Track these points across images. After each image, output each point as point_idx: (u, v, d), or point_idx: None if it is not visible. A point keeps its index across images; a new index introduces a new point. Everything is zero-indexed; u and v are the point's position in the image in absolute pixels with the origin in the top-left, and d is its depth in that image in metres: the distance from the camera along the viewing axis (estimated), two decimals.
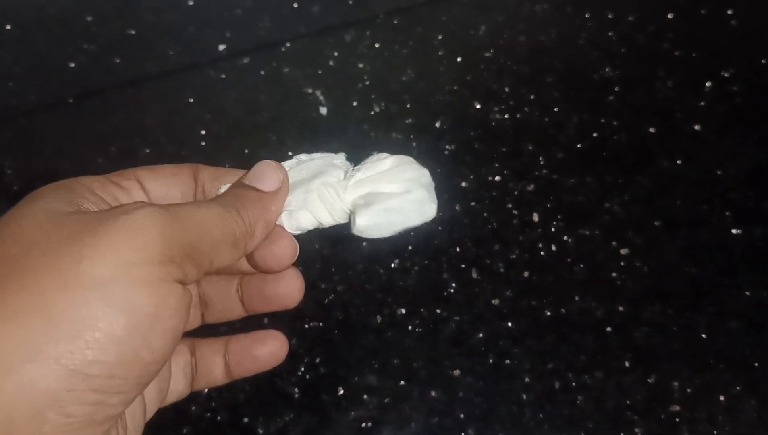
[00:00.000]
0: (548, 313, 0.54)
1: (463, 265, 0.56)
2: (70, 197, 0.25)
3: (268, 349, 0.31)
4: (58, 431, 0.21)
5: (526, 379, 0.52)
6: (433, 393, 0.52)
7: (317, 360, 0.53)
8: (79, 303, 0.21)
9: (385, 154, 0.31)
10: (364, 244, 0.57)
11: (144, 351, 0.22)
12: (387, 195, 0.30)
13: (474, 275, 0.56)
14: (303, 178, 0.30)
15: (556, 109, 0.63)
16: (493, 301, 0.55)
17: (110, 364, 0.21)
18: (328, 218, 0.30)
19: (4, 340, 0.20)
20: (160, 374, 0.28)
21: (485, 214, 0.58)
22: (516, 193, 0.59)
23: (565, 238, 0.57)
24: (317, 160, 0.31)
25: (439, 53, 0.67)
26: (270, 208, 0.28)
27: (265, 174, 0.28)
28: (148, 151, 0.63)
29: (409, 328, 0.54)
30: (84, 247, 0.22)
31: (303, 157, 0.31)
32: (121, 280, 0.21)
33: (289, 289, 0.31)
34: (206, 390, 0.52)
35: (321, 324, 0.54)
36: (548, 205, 0.59)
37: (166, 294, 0.22)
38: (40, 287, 0.21)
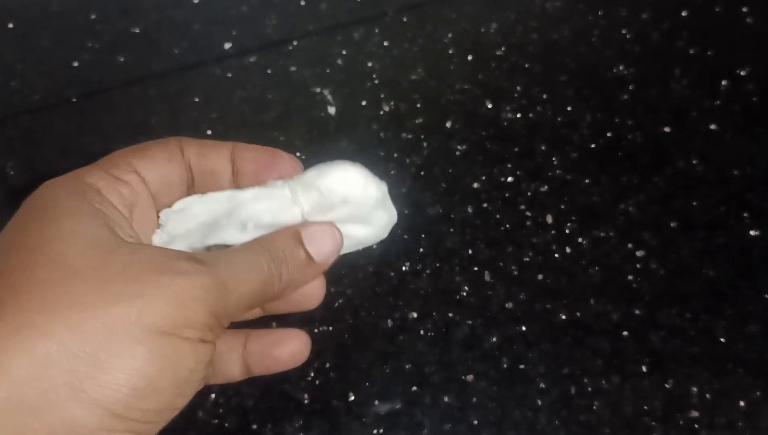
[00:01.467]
0: (563, 317, 0.53)
1: (475, 268, 0.55)
2: (91, 210, 0.25)
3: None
4: None
5: (541, 384, 0.51)
6: (445, 398, 0.51)
7: (327, 365, 0.52)
8: (128, 355, 0.22)
9: (318, 171, 0.30)
10: (374, 246, 0.56)
11: (179, 399, 0.24)
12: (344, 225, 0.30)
13: (487, 278, 0.55)
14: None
15: (569, 109, 0.62)
16: (506, 305, 0.54)
17: (149, 411, 0.23)
18: None
19: (52, 376, 0.21)
20: None
21: (498, 216, 0.57)
22: (529, 194, 0.58)
23: (579, 239, 0.56)
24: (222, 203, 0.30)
25: (450, 51, 0.66)
26: (310, 275, 0.29)
27: (324, 242, 0.29)
28: None
29: (421, 332, 0.53)
30: (138, 300, 0.23)
31: (194, 199, 0.30)
32: (168, 338, 0.23)
33: (297, 348, 0.32)
34: (213, 395, 0.51)
35: (330, 328, 0.53)
36: (562, 207, 0.57)
37: (204, 352, 0.24)
38: (89, 328, 0.22)
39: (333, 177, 0.29)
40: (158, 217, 0.30)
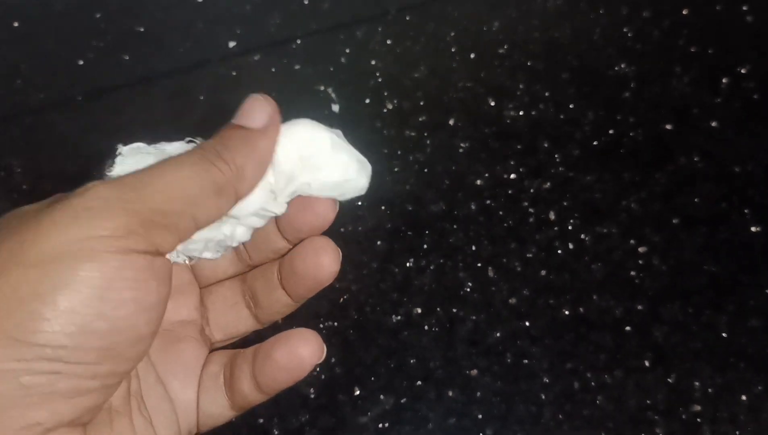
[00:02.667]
0: (566, 312, 0.53)
1: (479, 264, 0.55)
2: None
3: (290, 349, 0.27)
4: (17, 404, 0.21)
5: (545, 379, 0.51)
6: (450, 393, 0.51)
7: (333, 360, 0.52)
8: (19, 281, 0.21)
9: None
10: (379, 242, 0.57)
11: (97, 321, 0.22)
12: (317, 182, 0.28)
13: (490, 274, 0.55)
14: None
15: (571, 106, 0.62)
16: (510, 300, 0.54)
17: (56, 334, 0.21)
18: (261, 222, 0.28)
19: None
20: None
21: (501, 213, 0.58)
22: (532, 190, 0.58)
23: (582, 236, 0.56)
24: (172, 148, 0.28)
25: (452, 49, 0.66)
26: (259, 145, 0.26)
27: (252, 110, 0.27)
28: None
29: (426, 327, 0.53)
30: (27, 230, 0.22)
31: (141, 146, 0.28)
32: (64, 256, 0.21)
33: (320, 259, 0.27)
34: None
35: (336, 324, 0.53)
36: (565, 203, 0.58)
37: (119, 265, 0.22)
38: None
39: (283, 144, 0.28)
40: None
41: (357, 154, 0.29)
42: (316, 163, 0.28)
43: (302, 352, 0.27)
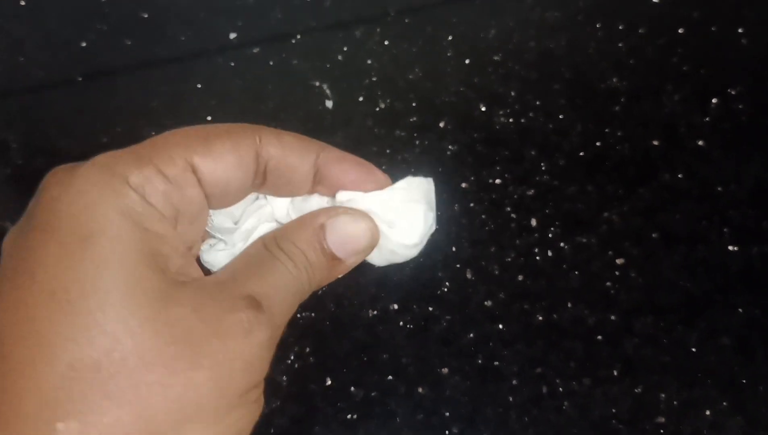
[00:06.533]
0: (540, 318, 0.54)
1: (458, 265, 0.56)
2: (138, 241, 0.21)
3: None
4: None
5: (514, 382, 0.52)
6: (420, 390, 0.52)
7: (307, 350, 0.53)
8: (182, 431, 0.20)
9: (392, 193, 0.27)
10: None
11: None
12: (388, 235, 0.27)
13: (468, 276, 0.56)
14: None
15: (561, 117, 0.63)
16: (485, 303, 0.55)
17: None
18: None
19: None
20: None
21: (483, 216, 0.58)
22: (516, 197, 0.59)
23: (561, 244, 0.57)
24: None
25: (448, 54, 0.67)
26: (338, 274, 0.26)
27: (350, 239, 0.25)
28: (153, 133, 0.63)
29: (401, 323, 0.54)
30: (205, 371, 0.20)
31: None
32: (239, 408, 0.21)
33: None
34: None
35: (313, 314, 0.54)
36: (547, 211, 0.59)
37: (258, 410, 0.23)
38: (159, 415, 0.19)
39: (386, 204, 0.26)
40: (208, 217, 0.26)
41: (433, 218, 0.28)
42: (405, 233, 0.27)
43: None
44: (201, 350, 0.20)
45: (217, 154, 0.24)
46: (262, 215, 0.27)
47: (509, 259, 0.56)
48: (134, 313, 0.19)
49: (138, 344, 0.19)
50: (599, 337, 0.53)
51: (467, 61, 0.66)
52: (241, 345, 0.21)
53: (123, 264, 0.20)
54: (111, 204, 0.21)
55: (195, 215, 0.24)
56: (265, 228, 0.27)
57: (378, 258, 0.28)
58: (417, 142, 0.62)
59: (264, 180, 0.26)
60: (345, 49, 0.68)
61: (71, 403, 0.18)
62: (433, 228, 0.28)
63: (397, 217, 0.27)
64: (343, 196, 0.27)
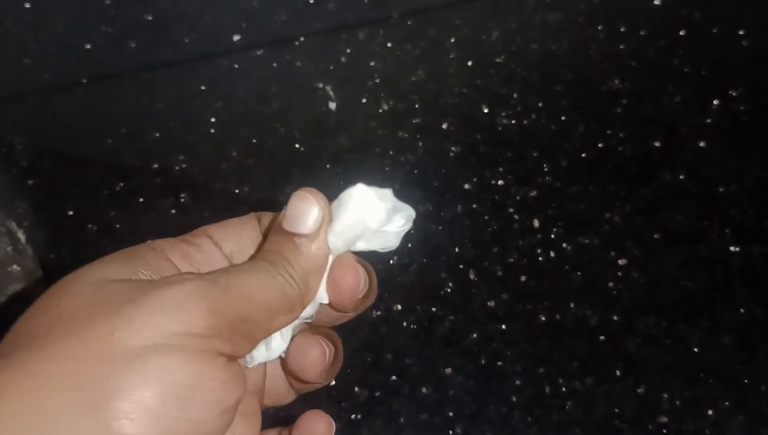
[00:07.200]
0: (543, 318, 0.55)
1: (461, 266, 0.57)
2: (131, 263, 0.24)
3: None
4: None
5: (517, 382, 0.52)
6: (423, 390, 0.52)
7: None
8: (108, 374, 0.20)
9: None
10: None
11: (183, 423, 0.21)
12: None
13: (471, 276, 0.56)
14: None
15: (563, 118, 0.63)
16: (488, 303, 0.55)
17: None
18: None
19: (37, 413, 0.20)
20: None
21: (486, 217, 0.59)
22: (518, 198, 0.60)
23: (564, 245, 0.57)
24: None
25: (451, 56, 0.67)
26: (312, 253, 0.26)
27: (299, 212, 0.26)
28: (158, 135, 0.64)
29: (404, 324, 0.54)
30: (119, 318, 0.21)
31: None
32: (156, 351, 0.21)
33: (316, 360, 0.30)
34: None
35: None
36: (549, 212, 0.59)
37: (207, 365, 0.22)
38: (69, 358, 0.20)
39: (349, 214, 0.27)
40: None
41: (408, 209, 0.29)
42: (372, 234, 0.28)
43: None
44: (128, 302, 0.22)
45: (223, 224, 0.29)
46: None
47: (512, 260, 0.57)
48: (85, 289, 0.23)
49: (73, 309, 0.22)
50: (602, 337, 0.54)
51: (470, 63, 0.67)
52: (160, 290, 0.22)
53: (104, 269, 0.24)
54: (126, 254, 0.25)
55: (219, 264, 0.28)
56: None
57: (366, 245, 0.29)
58: (420, 144, 0.62)
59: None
60: (348, 51, 0.68)
61: None
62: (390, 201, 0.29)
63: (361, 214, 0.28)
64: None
